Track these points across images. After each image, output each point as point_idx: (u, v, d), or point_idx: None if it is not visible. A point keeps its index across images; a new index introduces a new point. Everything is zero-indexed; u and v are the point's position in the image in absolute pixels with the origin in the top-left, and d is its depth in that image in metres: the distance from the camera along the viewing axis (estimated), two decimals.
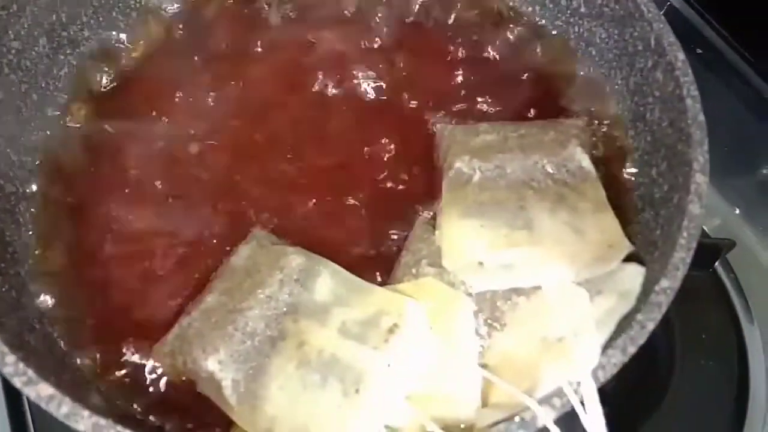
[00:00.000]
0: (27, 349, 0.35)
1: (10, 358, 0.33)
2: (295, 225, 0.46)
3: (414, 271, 0.43)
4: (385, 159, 0.49)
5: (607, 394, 0.53)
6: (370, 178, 0.49)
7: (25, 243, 0.46)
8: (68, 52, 0.52)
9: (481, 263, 0.41)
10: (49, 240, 0.46)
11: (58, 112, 0.51)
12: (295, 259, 0.42)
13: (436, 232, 0.44)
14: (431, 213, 0.46)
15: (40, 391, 0.32)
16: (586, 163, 0.45)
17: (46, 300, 0.43)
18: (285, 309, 0.40)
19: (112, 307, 0.44)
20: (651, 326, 0.35)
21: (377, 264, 0.45)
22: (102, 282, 0.44)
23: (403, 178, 0.49)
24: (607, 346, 0.35)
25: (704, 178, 0.39)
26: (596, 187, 0.44)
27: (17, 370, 0.33)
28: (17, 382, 0.33)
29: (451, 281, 0.42)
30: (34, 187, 0.48)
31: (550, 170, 0.45)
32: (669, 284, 0.36)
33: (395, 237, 0.46)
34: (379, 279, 0.44)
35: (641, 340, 0.35)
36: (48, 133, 0.50)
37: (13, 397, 0.50)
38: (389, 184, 0.49)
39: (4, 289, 0.41)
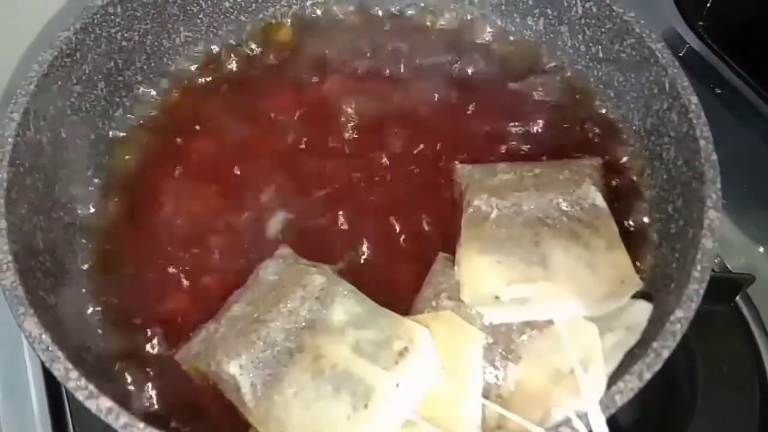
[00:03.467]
0: (84, 366, 0.39)
1: (74, 374, 0.36)
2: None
3: (434, 303, 0.44)
4: None
5: (629, 427, 0.54)
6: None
7: (80, 267, 0.49)
8: (123, 94, 0.56)
9: (497, 297, 0.43)
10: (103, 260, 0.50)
11: (114, 153, 0.55)
12: (318, 278, 0.44)
13: (455, 267, 0.45)
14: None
15: (101, 404, 0.35)
16: (600, 200, 0.47)
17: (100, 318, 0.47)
18: (304, 324, 0.42)
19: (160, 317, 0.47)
20: (666, 354, 0.37)
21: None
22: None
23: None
24: (624, 372, 0.37)
25: (717, 214, 0.41)
26: (609, 224, 0.46)
27: (80, 385, 0.36)
28: (80, 396, 0.36)
29: (469, 314, 0.43)
30: (90, 218, 0.52)
31: (564, 208, 0.46)
32: (683, 314, 0.38)
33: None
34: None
35: (656, 367, 0.37)
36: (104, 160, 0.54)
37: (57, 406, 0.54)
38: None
39: (64, 312, 0.44)
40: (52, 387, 0.54)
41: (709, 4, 0.81)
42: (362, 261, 0.49)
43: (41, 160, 0.48)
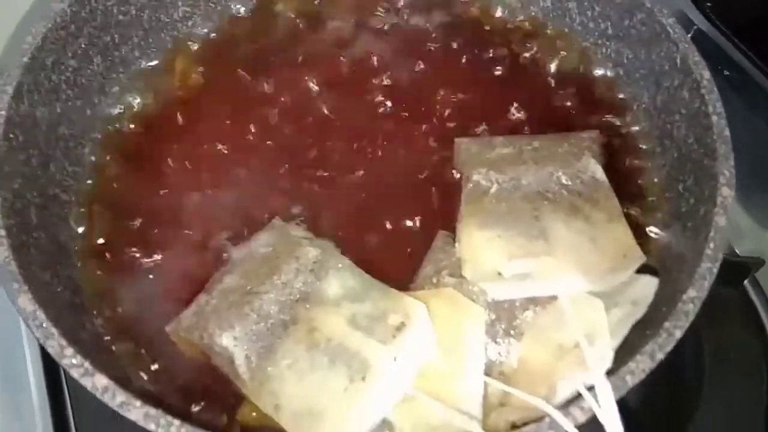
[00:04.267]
0: (81, 344, 0.38)
1: (69, 351, 0.36)
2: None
3: (435, 280, 0.44)
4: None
5: (635, 412, 0.53)
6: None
7: (75, 245, 0.48)
8: (120, 70, 0.55)
9: (499, 273, 0.42)
10: (97, 240, 0.49)
11: (109, 125, 0.54)
12: (311, 251, 0.44)
13: (456, 244, 0.45)
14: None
15: (96, 382, 0.35)
16: (600, 173, 0.47)
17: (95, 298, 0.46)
18: (298, 296, 0.42)
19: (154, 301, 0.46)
20: (678, 334, 0.36)
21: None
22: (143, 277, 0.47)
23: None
24: (636, 352, 0.36)
25: (730, 192, 0.40)
26: (609, 197, 0.46)
27: (75, 362, 0.35)
28: (75, 373, 0.35)
29: (471, 291, 0.43)
30: (85, 193, 0.50)
31: (564, 181, 0.46)
32: (696, 293, 0.37)
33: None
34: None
35: (669, 347, 0.36)
36: (99, 136, 0.53)
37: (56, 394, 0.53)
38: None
39: (59, 290, 0.43)
40: (52, 376, 0.53)
41: None
42: (363, 238, 0.48)
43: (35, 135, 0.47)
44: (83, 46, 0.51)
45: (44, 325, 0.36)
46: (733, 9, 0.76)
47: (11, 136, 0.44)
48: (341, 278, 0.43)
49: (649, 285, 0.42)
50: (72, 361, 0.35)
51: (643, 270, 0.43)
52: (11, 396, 0.53)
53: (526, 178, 0.46)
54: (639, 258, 0.43)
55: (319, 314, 0.41)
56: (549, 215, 0.44)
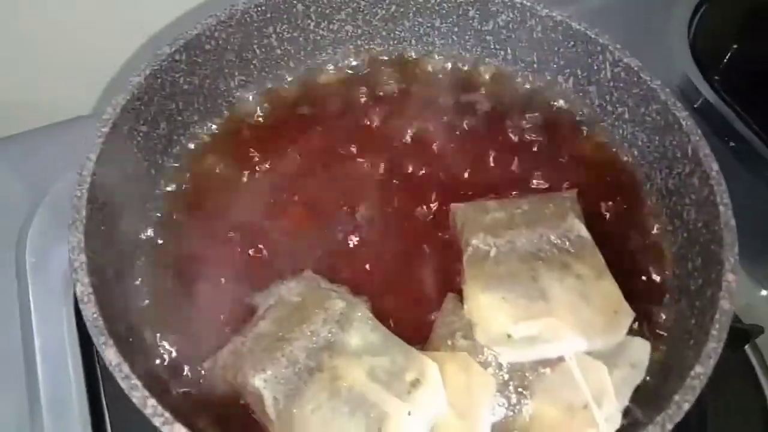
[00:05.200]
0: (152, 389, 0.42)
1: (151, 401, 0.40)
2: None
3: (449, 342, 0.47)
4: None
5: None
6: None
7: (136, 293, 0.53)
8: (180, 132, 0.60)
9: (509, 336, 0.46)
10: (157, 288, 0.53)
11: (173, 185, 0.59)
12: (338, 303, 0.48)
13: (464, 307, 0.49)
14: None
15: (176, 431, 0.39)
16: (584, 231, 0.50)
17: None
18: (324, 344, 0.46)
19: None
20: (686, 406, 0.41)
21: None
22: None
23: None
24: (647, 422, 0.41)
25: (734, 277, 0.45)
26: (594, 254, 0.49)
27: (156, 411, 0.40)
28: (156, 422, 0.40)
29: (484, 354, 0.46)
30: (149, 250, 0.55)
31: (554, 240, 0.50)
32: (702, 370, 0.42)
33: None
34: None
35: (678, 418, 0.40)
36: (162, 201, 0.58)
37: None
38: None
39: (131, 340, 0.48)
40: (94, 402, 0.58)
41: (726, 59, 0.86)
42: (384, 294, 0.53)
43: (112, 196, 0.52)
44: (152, 113, 0.57)
45: (129, 376, 0.41)
46: (740, 82, 0.81)
47: (93, 199, 0.49)
48: (363, 331, 0.47)
49: (642, 348, 0.46)
50: (154, 410, 0.40)
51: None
52: (57, 421, 0.57)
53: (520, 240, 0.50)
54: (629, 314, 0.46)
55: (341, 364, 0.45)
56: (545, 275, 0.48)
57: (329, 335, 0.46)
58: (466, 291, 0.49)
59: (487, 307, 0.47)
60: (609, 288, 0.48)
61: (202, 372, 0.49)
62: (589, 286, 0.47)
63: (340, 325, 0.47)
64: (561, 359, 0.45)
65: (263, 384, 0.44)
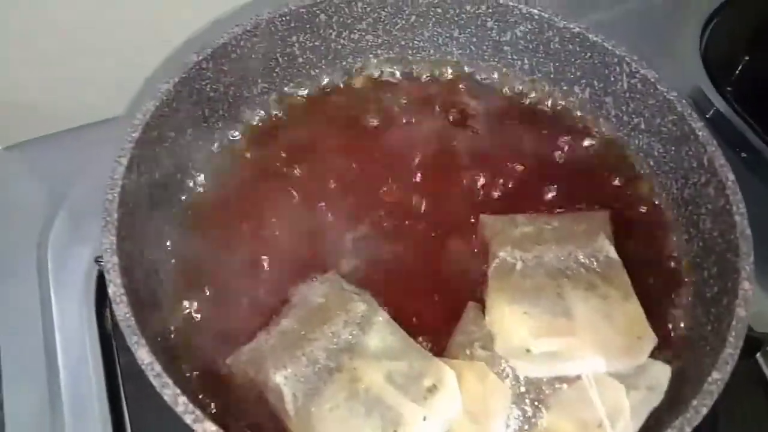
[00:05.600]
0: (180, 385, 0.43)
1: (182, 399, 0.41)
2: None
3: (468, 351, 0.48)
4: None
5: None
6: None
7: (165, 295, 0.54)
8: (206, 138, 0.62)
9: (528, 350, 0.46)
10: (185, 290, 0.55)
11: (201, 189, 0.60)
12: (360, 306, 0.49)
13: (486, 317, 0.49)
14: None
15: (207, 428, 0.40)
16: (613, 252, 0.50)
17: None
18: (344, 346, 0.47)
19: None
20: (704, 411, 0.42)
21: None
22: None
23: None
24: (666, 426, 0.42)
25: (750, 286, 0.46)
26: (622, 276, 0.49)
27: (187, 409, 0.41)
28: (188, 419, 0.41)
29: (501, 365, 0.47)
30: (175, 254, 0.57)
31: (582, 259, 0.50)
32: (720, 376, 0.43)
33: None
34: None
35: (695, 422, 0.41)
36: (187, 205, 0.59)
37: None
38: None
39: (158, 340, 0.49)
40: (114, 402, 0.60)
41: (738, 71, 0.87)
42: (406, 298, 0.54)
43: (140, 201, 0.53)
44: (180, 119, 0.58)
45: (160, 374, 0.42)
46: (752, 93, 0.82)
47: (125, 203, 0.50)
48: (383, 335, 0.48)
49: (663, 372, 0.46)
50: (186, 408, 0.41)
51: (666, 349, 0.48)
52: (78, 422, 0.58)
53: (548, 255, 0.50)
54: (652, 340, 0.47)
55: (360, 365, 0.46)
56: (571, 292, 0.48)
57: (350, 337, 0.47)
58: (489, 302, 0.50)
59: (509, 320, 0.48)
60: (634, 312, 0.48)
61: (227, 365, 0.50)
62: (614, 309, 0.47)
63: (360, 328, 0.48)
64: (578, 376, 0.46)
65: (284, 381, 0.46)
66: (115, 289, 0.46)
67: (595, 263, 0.50)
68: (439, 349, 0.51)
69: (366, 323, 0.48)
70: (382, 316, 0.49)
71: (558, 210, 0.58)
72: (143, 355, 0.43)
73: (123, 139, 0.52)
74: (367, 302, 0.50)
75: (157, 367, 0.43)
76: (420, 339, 0.50)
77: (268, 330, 0.49)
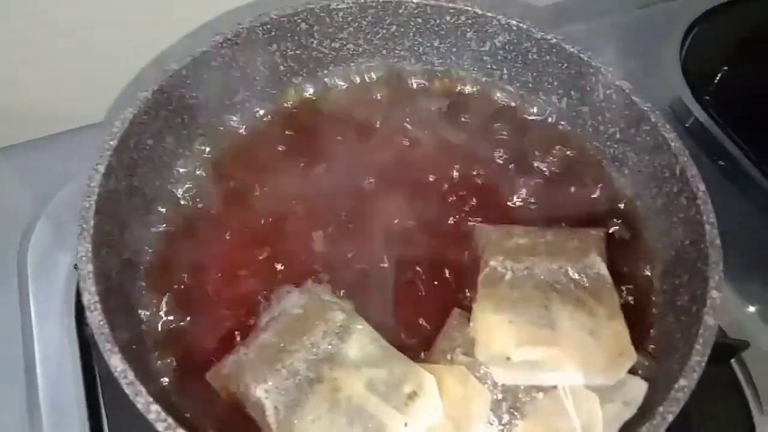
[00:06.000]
0: (155, 393, 0.43)
1: (154, 407, 0.42)
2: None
3: (449, 357, 0.48)
4: None
5: None
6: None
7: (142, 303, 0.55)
8: (186, 146, 0.62)
9: (508, 358, 0.47)
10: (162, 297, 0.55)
11: (175, 199, 0.60)
12: (339, 315, 0.49)
13: (471, 324, 0.49)
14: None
15: None
16: (604, 270, 0.51)
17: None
18: (324, 356, 0.47)
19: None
20: (670, 418, 0.42)
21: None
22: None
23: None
24: None
25: (719, 294, 0.47)
26: (611, 294, 0.50)
27: (159, 417, 0.41)
28: (159, 427, 0.41)
29: (481, 372, 0.47)
30: (153, 262, 0.57)
31: (572, 275, 0.51)
32: (686, 383, 0.43)
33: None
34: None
35: (662, 429, 0.42)
36: (166, 212, 0.60)
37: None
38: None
39: (134, 347, 0.50)
40: (93, 409, 0.60)
41: (716, 80, 0.88)
42: (385, 305, 0.54)
43: (118, 207, 0.54)
44: (159, 127, 0.58)
45: (133, 383, 0.43)
46: (730, 103, 0.83)
47: (101, 210, 0.51)
48: (362, 343, 0.48)
49: (639, 387, 0.47)
50: (158, 416, 0.41)
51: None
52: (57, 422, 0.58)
53: (539, 268, 0.51)
54: (632, 358, 0.47)
55: (341, 375, 0.46)
56: (558, 306, 0.49)
57: (329, 347, 0.48)
58: (475, 309, 0.50)
59: (493, 327, 0.48)
60: (618, 330, 0.48)
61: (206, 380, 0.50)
62: (600, 325, 0.48)
63: (339, 337, 0.48)
64: (555, 386, 0.47)
65: (265, 394, 0.45)
66: (89, 297, 0.46)
67: (585, 279, 0.51)
68: (426, 356, 0.51)
69: (345, 332, 0.48)
70: (361, 324, 0.49)
71: (531, 212, 0.59)
72: (116, 363, 0.43)
73: (101, 147, 0.53)
74: (346, 311, 0.50)
75: (130, 375, 0.43)
76: (407, 347, 0.51)
77: (247, 343, 0.50)
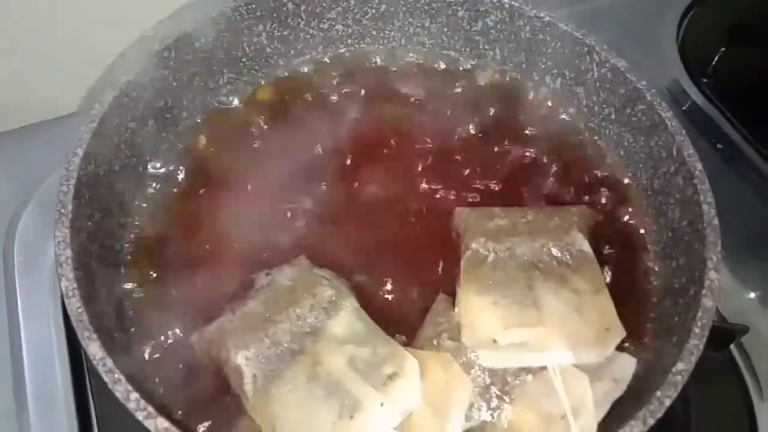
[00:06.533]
0: (135, 384, 0.42)
1: (134, 395, 0.40)
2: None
3: (435, 342, 0.48)
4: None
5: None
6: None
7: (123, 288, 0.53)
8: (169, 130, 0.61)
9: (495, 341, 0.46)
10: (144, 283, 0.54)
11: (159, 183, 0.59)
12: (327, 290, 0.48)
13: (456, 309, 0.49)
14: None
15: (159, 424, 0.39)
16: (586, 247, 0.50)
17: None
18: (309, 329, 0.46)
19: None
20: (668, 402, 0.41)
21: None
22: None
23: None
24: (629, 417, 0.41)
25: (716, 275, 0.46)
26: (594, 270, 0.49)
27: (139, 405, 0.40)
28: (139, 415, 0.40)
29: (468, 356, 0.46)
30: (135, 245, 0.55)
31: (554, 253, 0.50)
32: (684, 367, 0.42)
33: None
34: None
35: (659, 414, 0.41)
36: (149, 196, 0.58)
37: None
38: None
39: (116, 335, 0.48)
40: (81, 398, 0.58)
41: (714, 63, 0.86)
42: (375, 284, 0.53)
43: (99, 192, 0.52)
44: (141, 110, 0.57)
45: (112, 370, 0.41)
46: (728, 85, 0.82)
47: (80, 194, 0.49)
48: (349, 320, 0.47)
49: (628, 364, 0.46)
50: (137, 405, 0.40)
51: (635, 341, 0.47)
52: (42, 414, 0.57)
53: (521, 248, 0.50)
54: (620, 333, 0.47)
55: (324, 349, 0.45)
56: (541, 284, 0.48)
57: (315, 321, 0.47)
58: (459, 293, 0.49)
59: (478, 310, 0.47)
60: (604, 305, 0.48)
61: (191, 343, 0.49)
62: (585, 301, 0.47)
63: (326, 313, 0.47)
64: (544, 367, 0.46)
65: (245, 361, 0.45)
66: (67, 283, 0.44)
67: (567, 256, 0.50)
68: (409, 340, 0.50)
69: (333, 308, 0.48)
70: (350, 303, 0.48)
71: (523, 194, 0.58)
72: (95, 350, 0.42)
73: (79, 131, 0.51)
74: (336, 288, 0.49)
75: (109, 363, 0.41)
76: (389, 329, 0.49)
77: (233, 310, 0.49)
